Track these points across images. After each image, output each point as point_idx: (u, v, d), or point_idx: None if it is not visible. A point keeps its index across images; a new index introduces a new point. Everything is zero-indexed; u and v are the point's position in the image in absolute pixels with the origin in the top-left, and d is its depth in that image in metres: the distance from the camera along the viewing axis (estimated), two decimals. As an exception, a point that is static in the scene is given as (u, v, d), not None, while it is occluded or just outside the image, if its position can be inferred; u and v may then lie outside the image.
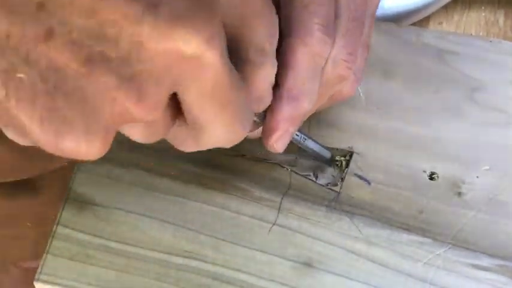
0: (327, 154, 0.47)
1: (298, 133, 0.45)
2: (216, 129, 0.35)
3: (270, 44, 0.37)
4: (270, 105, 0.40)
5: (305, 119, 0.43)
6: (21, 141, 0.32)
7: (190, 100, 0.33)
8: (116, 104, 0.30)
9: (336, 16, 0.42)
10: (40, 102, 0.29)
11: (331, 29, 0.41)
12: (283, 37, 0.41)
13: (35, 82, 0.29)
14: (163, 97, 0.32)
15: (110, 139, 0.32)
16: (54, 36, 0.28)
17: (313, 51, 0.41)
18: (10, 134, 0.32)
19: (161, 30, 0.29)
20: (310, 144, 0.46)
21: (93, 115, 0.30)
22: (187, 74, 0.31)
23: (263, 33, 0.36)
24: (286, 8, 0.42)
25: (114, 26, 0.29)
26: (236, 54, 0.35)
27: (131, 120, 0.32)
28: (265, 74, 0.37)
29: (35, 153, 0.61)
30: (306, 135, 0.46)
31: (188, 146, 0.38)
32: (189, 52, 0.30)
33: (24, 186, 0.75)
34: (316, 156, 0.47)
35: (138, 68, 0.30)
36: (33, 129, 0.30)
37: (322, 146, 0.47)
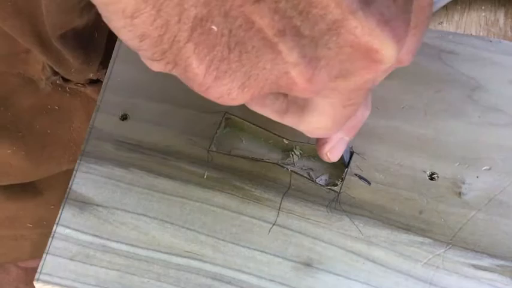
0: (346, 157, 0.48)
1: None
2: (322, 121, 0.36)
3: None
4: None
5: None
6: (173, 71, 0.32)
7: (341, 89, 0.33)
8: (284, 76, 0.31)
9: None
10: (216, 52, 0.30)
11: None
12: None
13: (222, 35, 0.30)
14: (328, 82, 0.32)
15: (257, 96, 0.33)
16: (263, 0, 0.29)
17: None
18: (161, 67, 0.32)
19: (366, 27, 0.30)
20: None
21: (256, 76, 0.31)
22: (360, 69, 0.32)
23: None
24: None
25: (322, 7, 0.29)
26: None
27: (286, 91, 0.32)
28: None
29: (43, 156, 0.61)
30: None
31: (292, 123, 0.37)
32: (380, 55, 0.31)
33: (27, 188, 0.75)
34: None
35: (323, 53, 0.31)
36: (196, 70, 0.31)
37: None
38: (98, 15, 0.31)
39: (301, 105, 0.35)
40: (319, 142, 0.42)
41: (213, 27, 0.30)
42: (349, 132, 0.42)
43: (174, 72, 0.32)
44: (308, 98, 0.35)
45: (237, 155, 0.49)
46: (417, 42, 0.35)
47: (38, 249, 0.45)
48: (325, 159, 0.42)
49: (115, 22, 0.30)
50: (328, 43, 0.31)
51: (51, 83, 0.65)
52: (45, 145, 0.69)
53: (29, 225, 0.79)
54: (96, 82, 0.67)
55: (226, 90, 0.32)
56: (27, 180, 0.73)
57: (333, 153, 0.42)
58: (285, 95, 0.35)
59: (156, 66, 0.32)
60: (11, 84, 0.64)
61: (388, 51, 0.31)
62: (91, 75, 0.66)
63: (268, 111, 0.37)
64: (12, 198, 0.75)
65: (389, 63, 0.32)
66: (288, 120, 0.37)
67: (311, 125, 0.36)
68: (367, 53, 0.31)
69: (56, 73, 0.64)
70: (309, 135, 0.38)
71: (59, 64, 0.63)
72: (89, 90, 0.67)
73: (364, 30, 0.30)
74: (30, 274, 0.44)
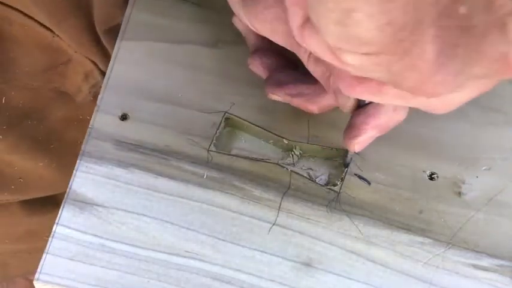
0: (348, 158, 0.48)
1: None
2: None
3: None
4: (365, 105, 0.40)
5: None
6: (366, 64, 0.31)
7: None
8: (500, 60, 0.30)
9: None
10: (451, 35, 0.29)
11: None
12: None
13: (465, 17, 0.29)
14: None
15: (462, 88, 0.32)
16: None
17: None
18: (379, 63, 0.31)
19: None
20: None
21: (473, 61, 0.30)
22: None
23: None
24: None
25: None
26: None
27: (494, 76, 0.31)
28: None
29: (71, 169, 0.61)
30: None
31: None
32: None
33: (48, 202, 0.74)
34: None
35: None
36: (427, 55, 0.30)
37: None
38: None
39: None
40: (351, 133, 0.42)
41: (462, 8, 0.29)
42: (383, 131, 0.42)
43: (390, 67, 0.30)
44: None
45: (237, 155, 0.49)
46: None
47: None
48: (351, 149, 0.42)
49: (358, 10, 0.28)
50: None
51: (94, 93, 0.65)
52: (76, 156, 0.69)
53: (45, 237, 0.78)
54: None
55: (444, 79, 0.31)
56: (57, 192, 0.73)
57: (360, 145, 0.42)
58: None
59: (371, 62, 0.30)
60: (45, 98, 0.64)
61: None
62: None
63: (390, 97, 0.36)
64: (34, 213, 0.74)
65: None
66: (415, 102, 0.36)
67: (453, 101, 0.35)
68: None
69: (104, 75, 0.64)
70: (386, 108, 0.38)
71: (108, 63, 0.63)
72: None
73: None
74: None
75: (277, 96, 0.45)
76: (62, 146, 0.67)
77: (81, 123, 0.67)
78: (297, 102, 0.45)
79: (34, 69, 0.60)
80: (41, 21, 0.56)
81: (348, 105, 0.42)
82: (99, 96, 0.51)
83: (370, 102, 0.41)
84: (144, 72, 0.51)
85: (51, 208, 0.75)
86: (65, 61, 0.61)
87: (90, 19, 0.58)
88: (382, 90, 0.35)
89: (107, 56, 0.62)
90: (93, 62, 0.62)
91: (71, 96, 0.64)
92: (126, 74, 0.52)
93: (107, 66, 0.63)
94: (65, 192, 0.73)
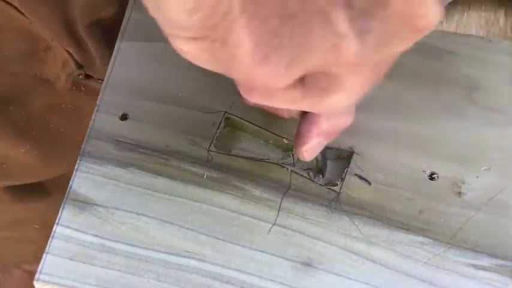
0: (324, 167, 0.48)
1: None
2: (345, 98, 0.35)
3: None
4: (307, 114, 0.41)
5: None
6: (196, 47, 0.31)
7: (375, 61, 0.33)
8: (332, 50, 0.31)
9: None
10: (268, 25, 0.29)
11: None
12: None
13: (275, 5, 0.29)
14: (372, 56, 0.32)
15: (296, 78, 0.32)
16: None
17: None
18: (199, 48, 0.31)
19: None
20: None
21: (304, 52, 0.31)
22: (403, 39, 0.32)
23: None
24: None
25: None
26: None
27: (329, 68, 0.32)
28: None
29: (56, 156, 0.61)
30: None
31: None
32: (426, 20, 0.31)
33: (35, 190, 0.75)
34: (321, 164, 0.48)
35: (371, 25, 0.30)
36: (244, 47, 0.30)
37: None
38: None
39: (326, 89, 0.35)
40: (298, 142, 0.42)
41: None
42: (329, 137, 0.42)
43: (215, 55, 0.31)
44: (340, 79, 0.34)
45: (237, 155, 0.49)
46: None
47: (44, 251, 0.46)
48: (301, 157, 0.43)
49: None
50: (376, 14, 0.30)
51: (72, 81, 0.65)
52: (58, 144, 0.69)
53: (35, 226, 0.78)
54: None
55: (272, 70, 0.31)
56: (39, 179, 0.73)
57: (309, 153, 0.42)
58: (301, 83, 0.35)
59: (197, 48, 0.31)
60: (26, 84, 0.64)
61: (433, 16, 0.31)
62: None
63: (279, 100, 0.36)
64: (20, 200, 0.75)
65: (432, 28, 0.31)
66: (306, 106, 0.36)
67: (334, 105, 0.36)
68: (412, 21, 0.31)
69: (80, 67, 0.64)
70: (324, 114, 0.38)
71: (84, 57, 0.63)
72: None
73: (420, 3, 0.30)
74: (34, 277, 0.45)
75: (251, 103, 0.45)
76: (44, 134, 0.67)
77: (64, 111, 0.67)
78: (267, 108, 0.45)
79: (14, 55, 0.60)
80: (19, 8, 0.56)
81: (293, 112, 0.42)
82: (99, 96, 0.51)
83: None
84: (144, 72, 0.51)
85: (39, 196, 0.75)
86: (43, 48, 0.61)
87: (64, 10, 0.58)
88: (271, 94, 0.35)
89: (83, 49, 0.62)
90: (68, 52, 0.62)
91: (52, 83, 0.64)
92: (126, 74, 0.52)
93: (82, 58, 0.63)
94: (51, 179, 0.74)
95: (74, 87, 0.66)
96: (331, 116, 0.41)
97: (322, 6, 0.29)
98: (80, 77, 0.65)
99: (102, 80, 0.66)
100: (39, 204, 0.76)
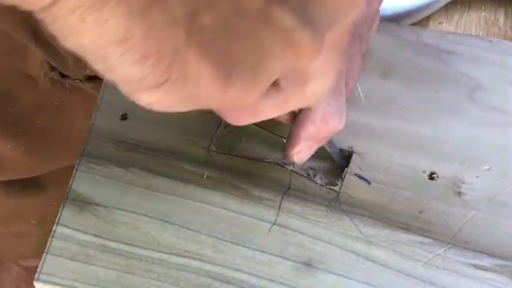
0: (341, 161, 0.48)
1: None
2: (324, 83, 0.36)
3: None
4: (296, 118, 0.41)
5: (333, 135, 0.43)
6: (163, 94, 0.31)
7: (334, 41, 0.34)
8: (289, 48, 0.31)
9: None
10: (218, 47, 0.30)
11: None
12: None
13: (216, 26, 0.29)
14: (325, 37, 0.32)
15: (264, 89, 0.32)
16: None
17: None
18: (168, 90, 0.31)
19: None
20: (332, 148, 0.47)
21: (263, 60, 0.31)
22: (347, 12, 0.33)
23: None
24: None
25: None
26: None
27: (295, 65, 0.32)
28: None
29: (43, 152, 0.61)
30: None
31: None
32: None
33: (30, 185, 0.75)
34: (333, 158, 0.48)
35: (313, 10, 0.31)
36: (205, 73, 0.30)
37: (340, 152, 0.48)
38: None
39: (301, 82, 0.35)
40: (289, 144, 0.42)
41: (205, 20, 0.29)
42: (318, 142, 0.43)
43: (182, 93, 0.31)
44: (308, 68, 0.34)
45: (237, 155, 0.49)
46: None
47: (42, 246, 0.46)
48: (292, 160, 0.43)
49: (111, 56, 0.29)
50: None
51: (50, 79, 0.65)
52: (45, 141, 0.69)
53: (33, 221, 0.79)
54: (94, 78, 0.67)
55: (240, 87, 0.31)
56: (27, 175, 0.73)
57: (299, 156, 0.43)
58: (277, 88, 0.35)
59: (163, 93, 0.30)
60: (11, 80, 0.64)
61: None
62: (87, 71, 0.66)
63: (265, 113, 0.36)
64: (15, 194, 0.75)
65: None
66: (292, 105, 0.37)
67: (316, 93, 0.36)
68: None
69: (53, 68, 0.64)
70: (311, 106, 0.39)
71: (56, 60, 0.63)
72: (87, 86, 0.67)
73: None
74: (32, 273, 0.44)
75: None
76: (31, 130, 0.67)
77: (50, 108, 0.67)
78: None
79: None
80: None
81: (284, 118, 0.42)
82: (99, 96, 0.51)
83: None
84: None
85: (34, 191, 0.75)
86: (22, 45, 0.61)
87: (30, 19, 0.58)
88: (255, 110, 0.36)
89: (56, 55, 0.62)
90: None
91: (36, 80, 0.65)
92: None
93: (55, 61, 0.63)
94: (46, 174, 0.74)
95: (59, 85, 0.66)
96: (318, 120, 0.41)
97: (261, 9, 0.30)
98: (56, 77, 0.65)
99: (80, 80, 0.66)
100: (35, 199, 0.76)
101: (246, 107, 0.35)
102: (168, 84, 0.30)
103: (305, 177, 0.48)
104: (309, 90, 0.36)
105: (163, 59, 0.29)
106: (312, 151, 0.43)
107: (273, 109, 0.36)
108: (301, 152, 0.43)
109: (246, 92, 0.31)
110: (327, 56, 0.34)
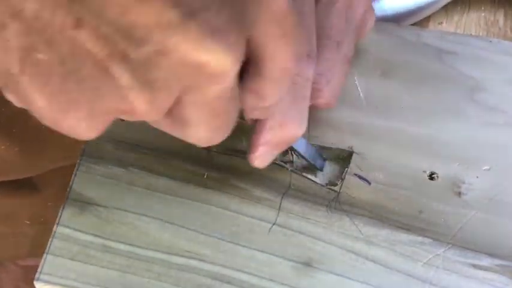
0: (320, 164, 0.48)
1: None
2: (201, 131, 0.36)
3: (293, 63, 0.36)
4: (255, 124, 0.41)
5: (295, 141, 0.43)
6: (19, 105, 0.33)
7: (189, 105, 0.33)
8: (124, 101, 0.31)
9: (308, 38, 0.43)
10: (53, 83, 0.30)
11: (311, 49, 0.42)
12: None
13: (53, 64, 0.29)
14: (170, 103, 0.32)
15: (108, 123, 0.33)
16: (83, 26, 0.28)
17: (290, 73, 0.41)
18: (10, 97, 0.33)
19: (193, 42, 0.29)
20: (302, 151, 0.47)
21: (99, 103, 0.31)
22: (203, 84, 0.32)
23: (284, 55, 0.35)
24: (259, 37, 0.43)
25: (144, 29, 0.28)
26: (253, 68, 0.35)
27: (132, 117, 0.32)
28: (277, 91, 0.37)
29: (37, 153, 0.60)
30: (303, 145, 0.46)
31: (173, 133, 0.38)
32: (213, 67, 0.30)
33: (24, 185, 0.75)
34: (309, 162, 0.47)
35: (157, 74, 0.30)
36: (39, 103, 0.31)
37: (318, 152, 0.47)
38: None
39: (156, 124, 0.36)
40: (249, 149, 0.42)
41: (41, 56, 0.29)
42: (277, 147, 0.42)
43: (22, 104, 0.32)
44: (184, 113, 0.34)
45: (237, 155, 0.49)
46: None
47: (37, 247, 0.45)
48: (253, 164, 0.43)
49: None
50: (158, 64, 0.30)
51: None
52: (39, 141, 0.69)
53: (26, 222, 0.79)
54: None
55: (75, 122, 0.32)
56: (21, 176, 0.73)
57: (259, 161, 0.43)
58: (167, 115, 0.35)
59: (9, 97, 0.32)
60: None
61: (220, 62, 0.30)
62: None
63: (164, 127, 0.37)
64: (8, 194, 0.75)
65: (226, 73, 0.31)
66: (166, 130, 0.37)
67: (192, 137, 0.36)
68: (200, 68, 0.30)
69: None
70: (267, 125, 0.40)
71: None
72: None
73: (188, 45, 0.29)
74: (30, 272, 0.44)
75: None
76: (24, 131, 0.67)
77: None
78: None
79: None
80: None
81: (249, 121, 0.42)
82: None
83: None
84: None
85: (28, 191, 0.75)
86: None
87: None
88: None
89: None
90: None
91: None
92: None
93: None
94: (40, 175, 0.74)
95: None
96: (277, 126, 0.41)
97: (101, 60, 0.29)
98: None
99: None
100: (28, 199, 0.76)
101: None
102: (11, 95, 0.32)
103: (305, 177, 0.48)
104: (187, 132, 0.36)
105: (0, 76, 0.30)
106: (273, 157, 0.43)
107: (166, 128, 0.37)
108: (262, 157, 0.43)
109: (79, 127, 0.32)
110: (199, 112, 0.34)
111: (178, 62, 0.30)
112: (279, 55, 0.34)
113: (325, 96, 0.44)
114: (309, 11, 0.42)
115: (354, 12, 0.46)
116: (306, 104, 0.42)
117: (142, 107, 0.31)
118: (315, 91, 0.43)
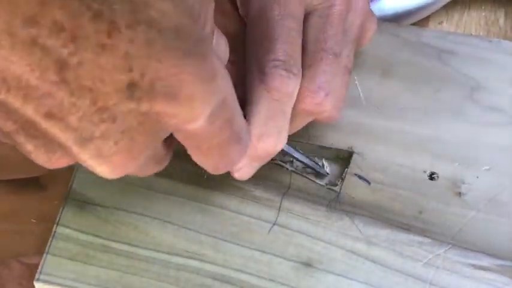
0: (320, 169, 0.48)
1: (286, 146, 0.45)
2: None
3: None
4: None
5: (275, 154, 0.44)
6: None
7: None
8: (66, 157, 0.35)
9: (303, 49, 0.43)
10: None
11: (292, 64, 0.42)
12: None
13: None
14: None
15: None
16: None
17: (270, 88, 0.41)
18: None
19: None
20: (299, 157, 0.47)
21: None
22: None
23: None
24: (247, 47, 0.43)
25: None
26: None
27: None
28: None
29: None
30: (295, 151, 0.46)
31: None
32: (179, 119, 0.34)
33: (30, 183, 0.75)
34: (309, 167, 0.48)
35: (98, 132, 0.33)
36: (68, 144, 0.35)
37: (313, 157, 0.48)
38: None
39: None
40: None
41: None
42: (259, 160, 0.44)
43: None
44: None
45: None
46: None
47: (42, 245, 0.46)
48: (234, 176, 0.44)
49: None
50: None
51: None
52: None
53: (32, 220, 0.79)
54: None
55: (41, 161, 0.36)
56: (27, 175, 0.73)
57: (240, 173, 0.44)
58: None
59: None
60: None
61: (187, 114, 0.33)
62: None
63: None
64: (14, 192, 0.75)
65: (193, 123, 0.34)
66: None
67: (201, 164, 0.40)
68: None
69: None
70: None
71: None
72: None
73: None
74: (34, 270, 0.45)
75: None
76: None
77: None
78: None
79: None
80: None
81: None
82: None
83: None
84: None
85: (34, 189, 0.75)
86: None
87: None
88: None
89: None
90: None
91: None
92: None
93: None
94: (45, 175, 0.74)
95: None
96: (256, 139, 0.42)
97: (38, 119, 0.32)
98: None
99: None
100: (33, 197, 0.76)
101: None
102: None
103: (305, 177, 0.48)
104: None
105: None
106: (255, 168, 0.44)
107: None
108: (242, 170, 0.44)
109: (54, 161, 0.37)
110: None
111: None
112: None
113: (326, 109, 0.44)
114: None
115: (351, 23, 0.46)
116: (286, 119, 0.42)
117: (86, 161, 0.35)
118: (314, 105, 0.43)
